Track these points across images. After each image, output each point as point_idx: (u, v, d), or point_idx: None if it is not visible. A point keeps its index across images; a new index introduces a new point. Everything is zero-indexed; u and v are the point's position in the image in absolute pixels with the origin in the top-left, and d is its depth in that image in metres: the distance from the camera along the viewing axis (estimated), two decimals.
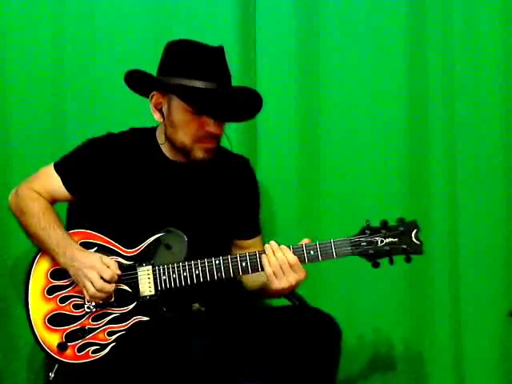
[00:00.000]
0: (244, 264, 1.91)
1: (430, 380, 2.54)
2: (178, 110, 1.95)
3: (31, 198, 2.04)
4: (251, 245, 2.13)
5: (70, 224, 2.09)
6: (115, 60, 2.46)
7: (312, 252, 1.87)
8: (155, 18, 2.49)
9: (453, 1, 2.49)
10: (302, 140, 2.54)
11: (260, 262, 1.89)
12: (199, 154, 1.97)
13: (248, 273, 1.92)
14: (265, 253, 1.88)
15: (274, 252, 1.87)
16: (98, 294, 1.91)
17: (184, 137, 1.96)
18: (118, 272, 1.93)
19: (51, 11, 2.48)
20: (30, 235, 2.03)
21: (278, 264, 1.85)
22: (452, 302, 2.52)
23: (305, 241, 1.89)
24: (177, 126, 1.97)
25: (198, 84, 1.91)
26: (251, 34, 2.51)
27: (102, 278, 1.90)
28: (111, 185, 2.04)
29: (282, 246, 1.87)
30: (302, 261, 1.87)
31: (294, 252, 1.87)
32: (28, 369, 2.49)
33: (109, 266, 1.92)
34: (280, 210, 2.52)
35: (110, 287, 1.91)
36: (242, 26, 2.50)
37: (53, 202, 2.07)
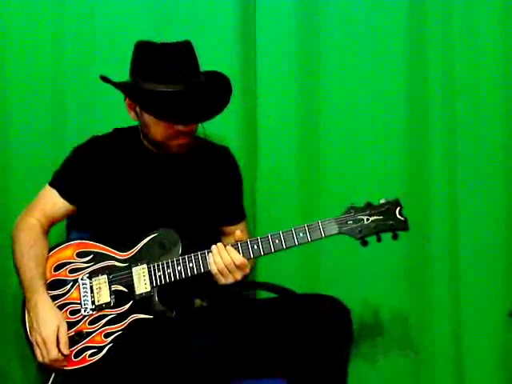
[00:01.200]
0: None
1: (430, 380, 2.54)
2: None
3: (24, 229, 2.04)
4: (236, 230, 2.15)
5: (70, 232, 2.13)
6: (115, 60, 2.46)
7: (301, 234, 1.91)
8: (155, 18, 2.49)
9: (453, 1, 2.49)
10: (302, 140, 2.53)
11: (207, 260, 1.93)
12: (173, 149, 2.03)
13: None
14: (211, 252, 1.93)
15: (219, 252, 1.91)
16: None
17: (156, 135, 2.01)
18: (66, 352, 1.91)
19: (51, 11, 2.48)
20: (14, 267, 2.03)
21: (223, 264, 1.90)
22: (452, 302, 2.52)
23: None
24: (148, 126, 2.01)
25: (161, 87, 1.92)
26: (251, 34, 2.51)
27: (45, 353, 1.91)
28: (103, 183, 2.07)
29: (228, 247, 1.92)
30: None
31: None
32: (28, 369, 2.49)
33: (59, 344, 1.91)
34: (280, 210, 2.52)
35: (49, 364, 1.92)
36: (242, 25, 2.50)
37: (53, 222, 2.09)
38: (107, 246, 2.01)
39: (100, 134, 2.16)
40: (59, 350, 1.91)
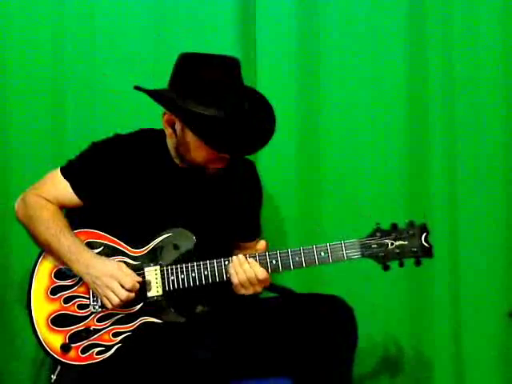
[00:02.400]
0: None
1: (430, 380, 2.54)
2: (191, 133, 1.91)
3: (39, 205, 1.99)
4: (252, 246, 2.13)
5: (73, 223, 2.05)
6: (115, 60, 2.46)
7: (322, 253, 1.87)
8: (155, 18, 2.48)
9: (453, 1, 2.49)
10: (301, 140, 2.53)
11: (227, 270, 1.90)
12: (210, 171, 1.98)
13: None
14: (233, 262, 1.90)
15: (240, 264, 1.88)
16: (122, 304, 1.90)
17: (196, 158, 1.95)
18: (139, 279, 1.91)
19: (51, 11, 2.47)
20: (41, 243, 1.98)
21: (245, 277, 1.87)
22: (452, 302, 2.52)
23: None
24: (189, 148, 1.94)
25: (211, 112, 1.86)
26: (251, 34, 2.50)
27: (122, 286, 1.89)
28: (119, 186, 2.01)
29: (250, 260, 1.88)
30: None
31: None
32: (28, 369, 2.49)
33: (128, 274, 1.90)
34: (280, 210, 2.52)
35: (133, 296, 1.90)
36: (242, 25, 2.50)
37: (61, 208, 2.03)
38: (119, 241, 1.97)
39: (104, 134, 2.08)
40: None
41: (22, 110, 2.48)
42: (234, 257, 1.89)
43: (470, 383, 2.52)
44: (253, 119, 1.92)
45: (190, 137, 1.92)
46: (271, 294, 2.25)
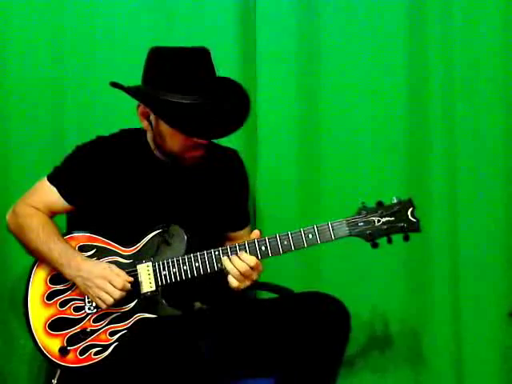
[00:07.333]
0: None
1: (429, 380, 2.54)
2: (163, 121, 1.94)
3: (29, 214, 2.02)
4: (242, 235, 2.16)
5: (70, 228, 2.10)
6: (115, 60, 2.46)
7: (310, 235, 1.88)
8: (155, 18, 2.49)
9: (453, 1, 2.49)
10: (301, 140, 2.53)
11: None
12: (188, 160, 2.00)
13: None
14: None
15: (230, 260, 1.88)
16: (115, 303, 1.92)
17: (172, 147, 1.97)
18: (130, 279, 1.93)
19: (51, 11, 2.48)
20: (31, 251, 2.00)
21: (237, 271, 1.87)
22: (452, 302, 2.52)
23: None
24: (164, 137, 1.97)
25: (178, 98, 1.88)
26: (251, 34, 2.51)
27: (114, 286, 1.90)
28: (105, 187, 2.03)
29: (240, 253, 1.88)
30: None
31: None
32: (28, 369, 2.49)
33: (119, 275, 1.92)
34: (280, 210, 2.52)
35: (125, 294, 1.92)
36: (242, 26, 2.50)
37: (52, 215, 2.05)
38: (110, 241, 1.99)
39: (104, 134, 2.11)
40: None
41: (22, 110, 2.48)
42: (224, 257, 1.89)
43: (470, 383, 2.52)
44: (223, 104, 1.94)
45: (164, 125, 1.93)
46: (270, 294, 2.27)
